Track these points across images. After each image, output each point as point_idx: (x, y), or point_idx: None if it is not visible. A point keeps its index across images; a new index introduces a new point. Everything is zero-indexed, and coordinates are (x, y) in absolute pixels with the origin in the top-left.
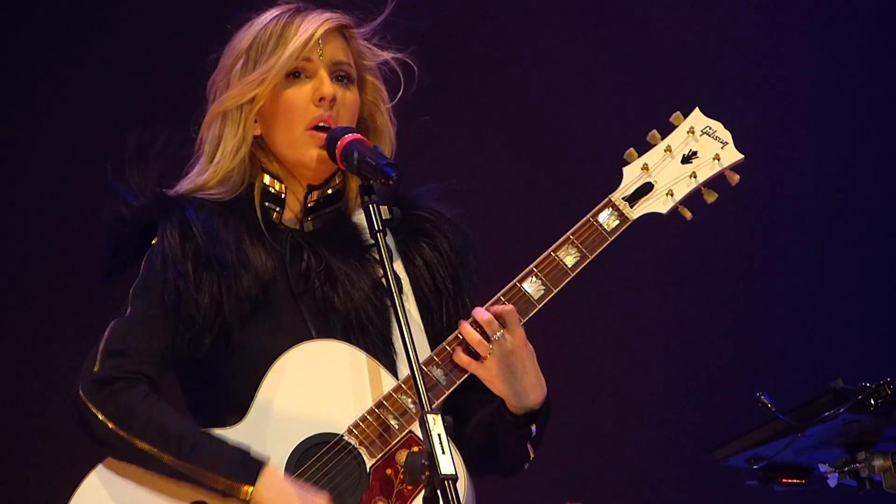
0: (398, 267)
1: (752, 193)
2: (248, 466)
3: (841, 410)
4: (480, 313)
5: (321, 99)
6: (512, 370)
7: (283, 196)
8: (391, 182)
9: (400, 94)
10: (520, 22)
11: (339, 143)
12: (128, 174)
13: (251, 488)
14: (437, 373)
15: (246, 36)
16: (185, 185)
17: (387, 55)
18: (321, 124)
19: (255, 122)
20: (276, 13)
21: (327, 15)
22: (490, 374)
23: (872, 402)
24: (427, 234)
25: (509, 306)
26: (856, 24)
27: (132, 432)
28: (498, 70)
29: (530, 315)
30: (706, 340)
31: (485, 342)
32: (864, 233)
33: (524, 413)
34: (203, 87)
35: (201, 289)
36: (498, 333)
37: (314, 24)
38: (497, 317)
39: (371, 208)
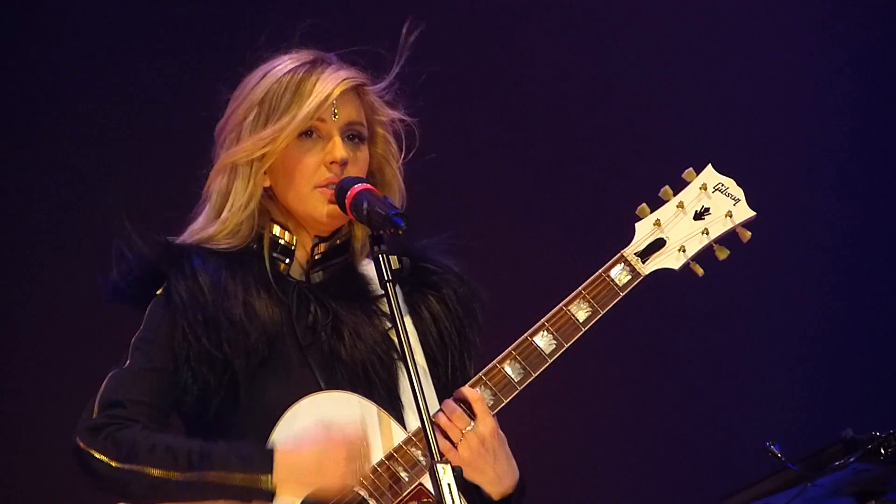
0: (405, 320)
1: (759, 239)
2: (260, 456)
3: (851, 460)
4: (450, 407)
5: (332, 162)
6: (483, 459)
7: (292, 247)
8: (401, 232)
9: (413, 152)
10: (531, 71)
11: (348, 192)
12: (131, 221)
13: (269, 476)
14: (417, 453)
15: (259, 87)
16: (192, 236)
17: (396, 115)
18: (330, 185)
19: (265, 173)
20: (292, 66)
21: (343, 74)
22: (461, 463)
23: (882, 451)
24: (434, 287)
25: (477, 394)
26: (876, 61)
27: (139, 463)
28: (509, 122)
29: (542, 369)
30: (714, 388)
31: (457, 430)
32: (875, 279)
33: (498, 499)
34: (211, 128)
35: (210, 346)
36: (468, 427)
37: (330, 85)
38: (465, 404)
39: (381, 258)
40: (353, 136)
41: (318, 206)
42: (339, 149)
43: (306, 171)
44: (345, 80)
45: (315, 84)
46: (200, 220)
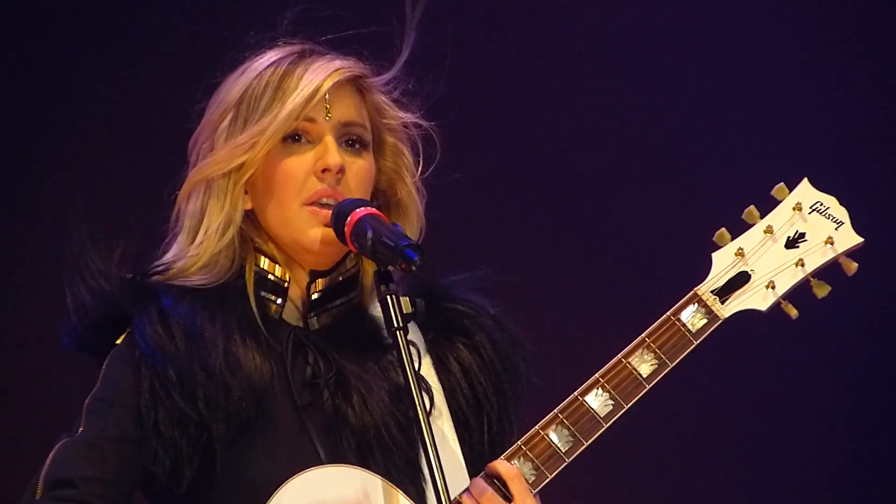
0: (428, 373)
1: (872, 278)
2: None
3: None
4: (479, 486)
5: (325, 170)
6: None
7: (285, 284)
8: (414, 268)
9: (433, 165)
10: (580, 67)
11: (348, 219)
12: (88, 255)
13: None
14: None
15: (236, 85)
16: (160, 270)
17: (410, 117)
18: (323, 200)
19: (245, 192)
20: (275, 57)
21: (337, 64)
22: None
23: None
24: (465, 333)
25: (514, 470)
26: None
27: None
28: (550, 127)
29: (596, 436)
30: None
31: None
32: None
33: None
34: (185, 143)
35: (183, 403)
36: None
37: (320, 76)
38: (499, 481)
39: (389, 300)
40: (352, 140)
41: (308, 230)
42: (332, 153)
43: (292, 182)
44: (339, 69)
45: (302, 77)
46: (170, 253)
